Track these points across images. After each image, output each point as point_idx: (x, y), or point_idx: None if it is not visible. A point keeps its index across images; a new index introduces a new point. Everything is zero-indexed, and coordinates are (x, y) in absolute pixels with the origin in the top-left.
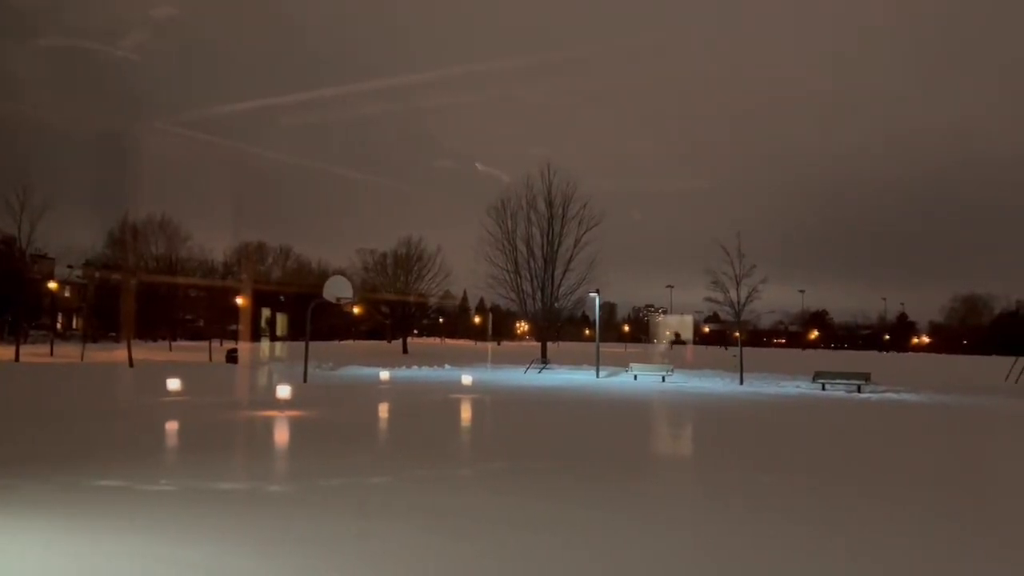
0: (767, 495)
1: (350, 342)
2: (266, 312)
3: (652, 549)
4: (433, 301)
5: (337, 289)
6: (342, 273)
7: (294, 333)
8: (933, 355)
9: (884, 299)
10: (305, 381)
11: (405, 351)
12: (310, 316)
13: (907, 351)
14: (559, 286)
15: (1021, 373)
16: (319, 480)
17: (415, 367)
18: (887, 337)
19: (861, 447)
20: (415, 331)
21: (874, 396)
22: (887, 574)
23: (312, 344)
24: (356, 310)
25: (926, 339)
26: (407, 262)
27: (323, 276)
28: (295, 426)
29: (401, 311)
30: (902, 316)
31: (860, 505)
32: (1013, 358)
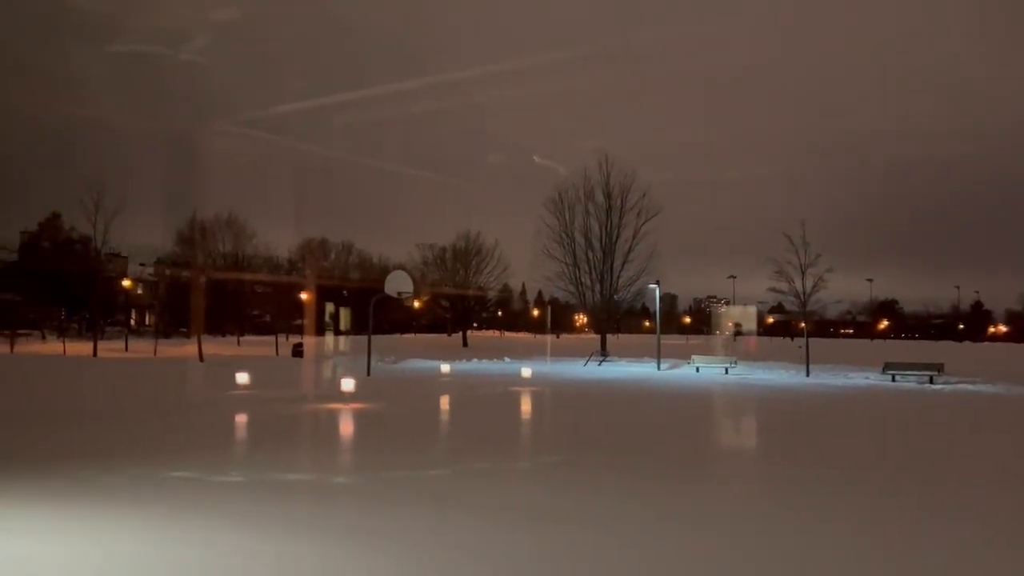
0: (834, 494)
1: (411, 336)
2: (330, 307)
3: (715, 548)
4: (492, 294)
5: (398, 284)
6: (402, 268)
7: (357, 327)
8: (1011, 345)
9: (957, 287)
10: (368, 374)
11: (465, 344)
12: (372, 310)
13: (982, 341)
14: (618, 278)
15: None
16: (382, 472)
17: (475, 360)
18: (961, 327)
19: (936, 442)
20: (474, 324)
21: (947, 388)
22: None
23: (374, 338)
24: (416, 304)
25: (1003, 328)
26: (466, 256)
27: (384, 271)
28: (359, 418)
29: (460, 305)
30: (977, 305)
31: (947, 514)
32: None
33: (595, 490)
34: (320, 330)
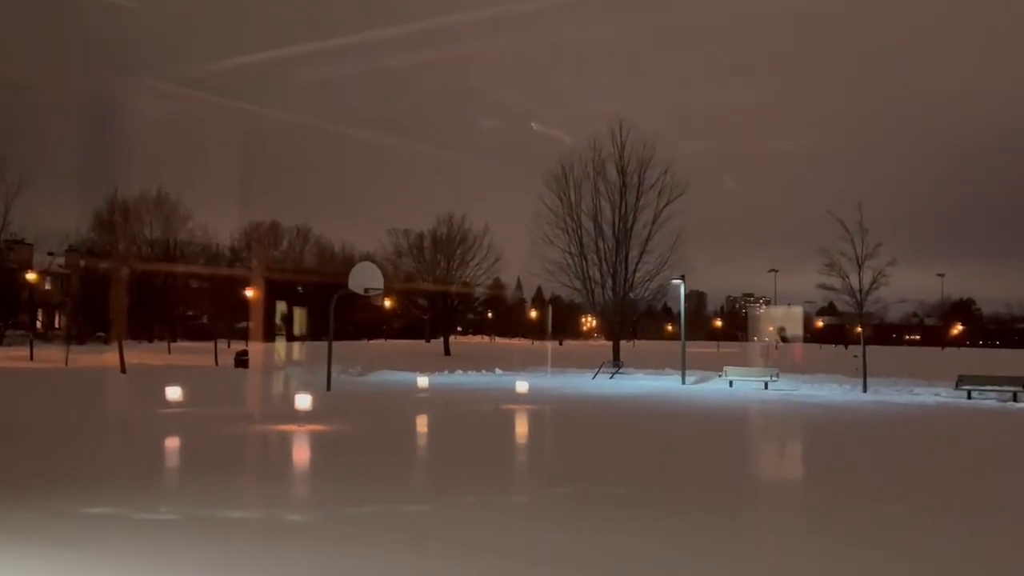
0: (890, 542)
1: (381, 342)
2: (281, 306)
3: None
4: (480, 292)
5: (365, 278)
6: (371, 259)
7: (315, 331)
8: None
9: None
10: (328, 389)
11: (447, 352)
12: (333, 311)
13: None
14: (634, 271)
15: None
16: (346, 508)
17: (459, 371)
18: None
19: (1020, 475)
20: (459, 328)
21: None
22: None
23: (336, 344)
24: (388, 303)
25: None
26: (448, 245)
27: (349, 263)
28: (317, 443)
29: (442, 304)
30: None
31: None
32: None
33: (607, 530)
34: (269, 335)
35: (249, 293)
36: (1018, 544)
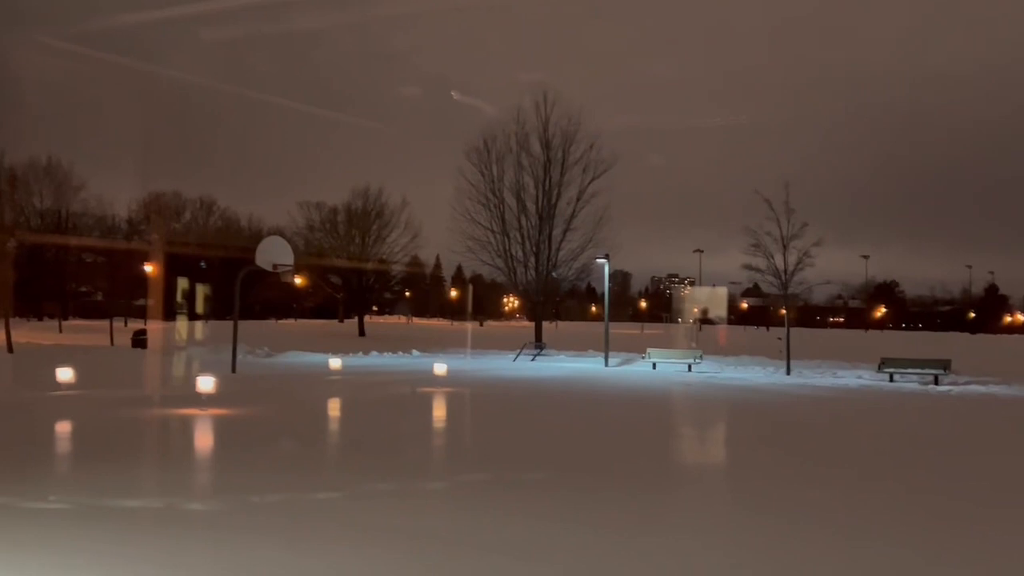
0: (808, 526)
1: (292, 322)
2: (183, 283)
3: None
4: (398, 270)
5: (274, 254)
6: (280, 234)
7: (219, 310)
8: None
9: (969, 267)
10: (234, 371)
11: (362, 333)
12: (239, 288)
13: (998, 332)
14: (558, 250)
15: None
16: (251, 496)
17: (374, 353)
18: (972, 315)
19: (938, 459)
20: (374, 308)
21: (955, 389)
22: None
23: (243, 324)
24: (298, 281)
25: (1021, 317)
26: (364, 220)
27: (256, 237)
28: (221, 427)
29: (357, 282)
30: (992, 288)
31: (945, 544)
32: None
33: (525, 515)
34: (170, 313)
35: (148, 269)
36: (937, 516)
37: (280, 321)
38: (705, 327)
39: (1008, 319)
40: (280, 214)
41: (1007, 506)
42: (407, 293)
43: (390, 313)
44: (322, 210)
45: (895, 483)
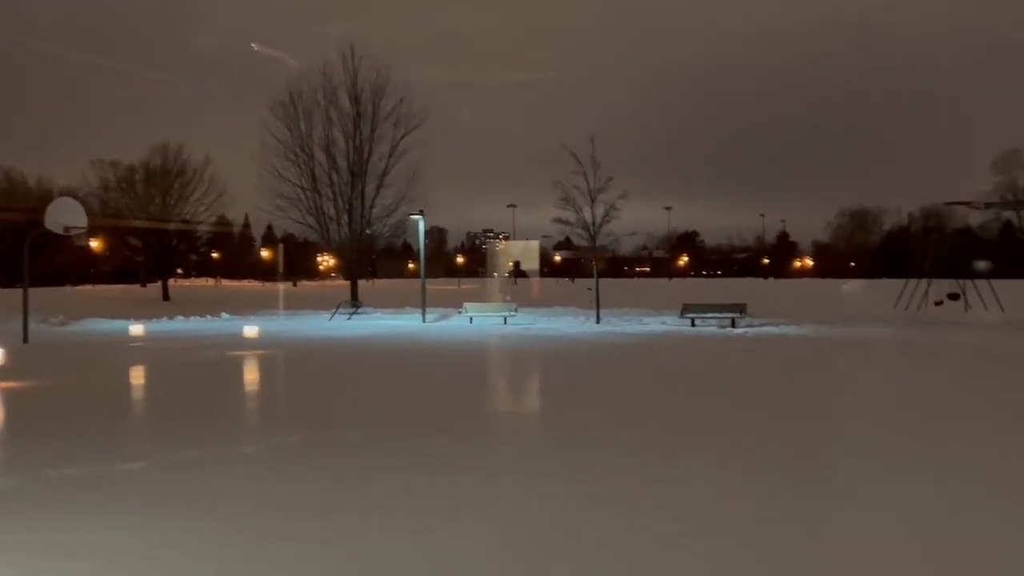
0: (620, 463)
1: (89, 287)
2: None
3: (482, 537)
4: (203, 230)
5: (65, 215)
6: (72, 195)
7: (6, 276)
8: (818, 280)
9: (763, 216)
10: (25, 341)
11: (166, 297)
12: (28, 253)
13: (789, 276)
14: (372, 207)
15: (923, 299)
16: (47, 470)
17: (180, 318)
18: (766, 261)
19: (728, 392)
20: (179, 271)
21: (750, 331)
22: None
23: (34, 291)
24: (94, 244)
25: (809, 262)
26: (164, 178)
27: (46, 199)
28: (12, 400)
29: (158, 245)
30: (783, 236)
31: (729, 465)
32: (903, 281)
33: (341, 477)
34: None
35: None
36: (731, 444)
37: (76, 287)
38: (520, 280)
39: (798, 264)
40: (72, 174)
41: (776, 432)
42: (215, 254)
43: (197, 276)
44: (117, 169)
45: (692, 414)
